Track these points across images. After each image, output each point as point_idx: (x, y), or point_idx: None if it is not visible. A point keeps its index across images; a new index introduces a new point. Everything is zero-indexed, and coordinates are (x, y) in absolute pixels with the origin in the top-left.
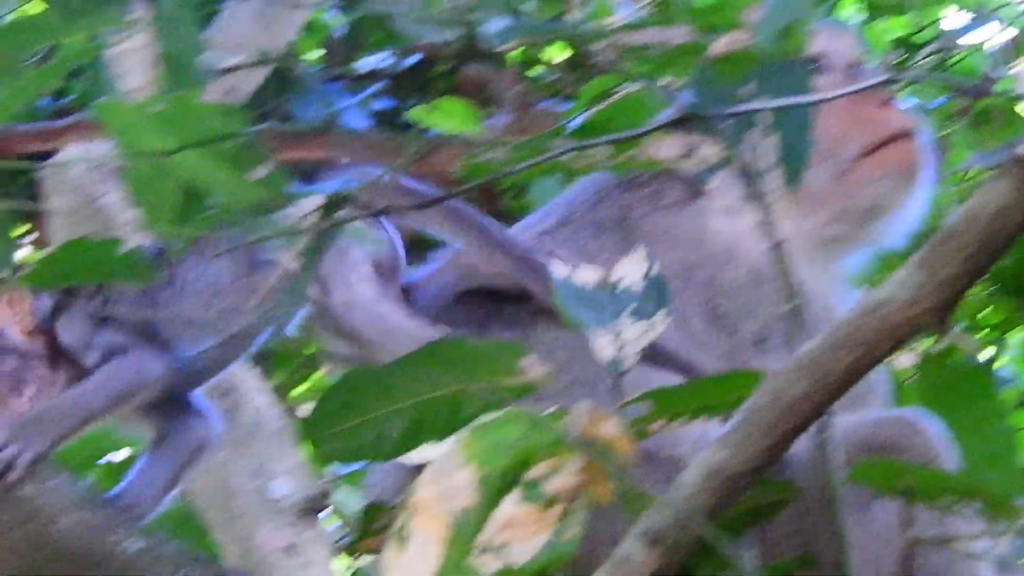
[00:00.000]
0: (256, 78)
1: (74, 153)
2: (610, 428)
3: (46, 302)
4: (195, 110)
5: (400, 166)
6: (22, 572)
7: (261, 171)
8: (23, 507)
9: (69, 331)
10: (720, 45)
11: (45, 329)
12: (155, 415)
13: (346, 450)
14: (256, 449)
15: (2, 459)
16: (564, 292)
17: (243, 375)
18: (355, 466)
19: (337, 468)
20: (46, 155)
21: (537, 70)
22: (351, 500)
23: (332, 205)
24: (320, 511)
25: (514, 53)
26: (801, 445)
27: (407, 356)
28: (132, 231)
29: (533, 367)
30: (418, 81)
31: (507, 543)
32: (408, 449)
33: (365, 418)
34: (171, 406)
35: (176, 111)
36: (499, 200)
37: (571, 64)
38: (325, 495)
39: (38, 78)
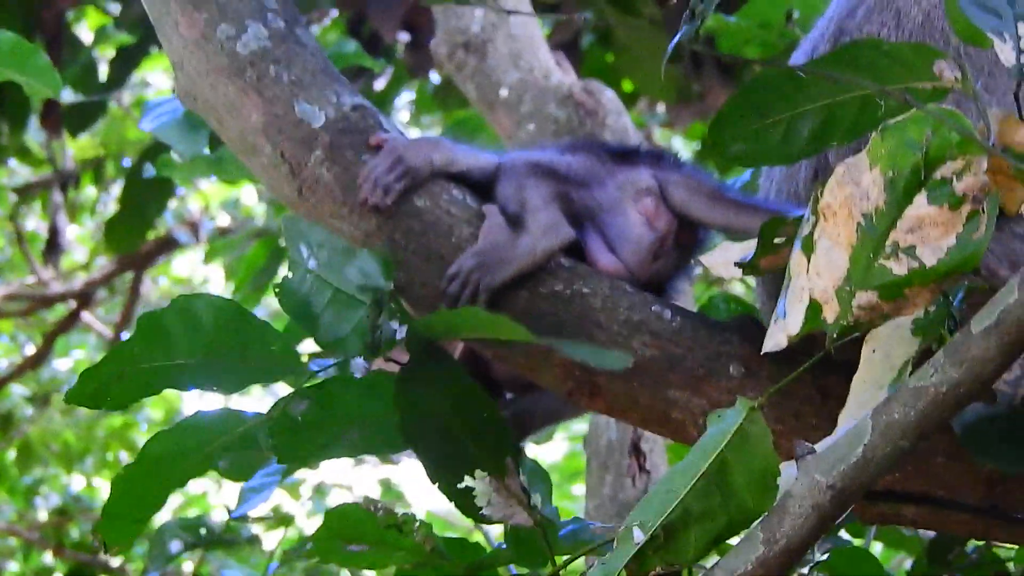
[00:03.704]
0: None
1: None
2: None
3: None
4: None
5: None
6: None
7: None
8: (423, 219)
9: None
10: None
11: None
12: None
13: (751, 152)
14: None
15: (383, 184)
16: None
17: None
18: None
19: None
20: None
21: None
22: None
23: None
24: None
25: None
26: None
27: (819, 58)
28: None
29: (947, 70)
30: None
31: (915, 245)
32: (816, 151)
33: (773, 119)
34: None
35: None
36: None
37: None
38: None
39: None
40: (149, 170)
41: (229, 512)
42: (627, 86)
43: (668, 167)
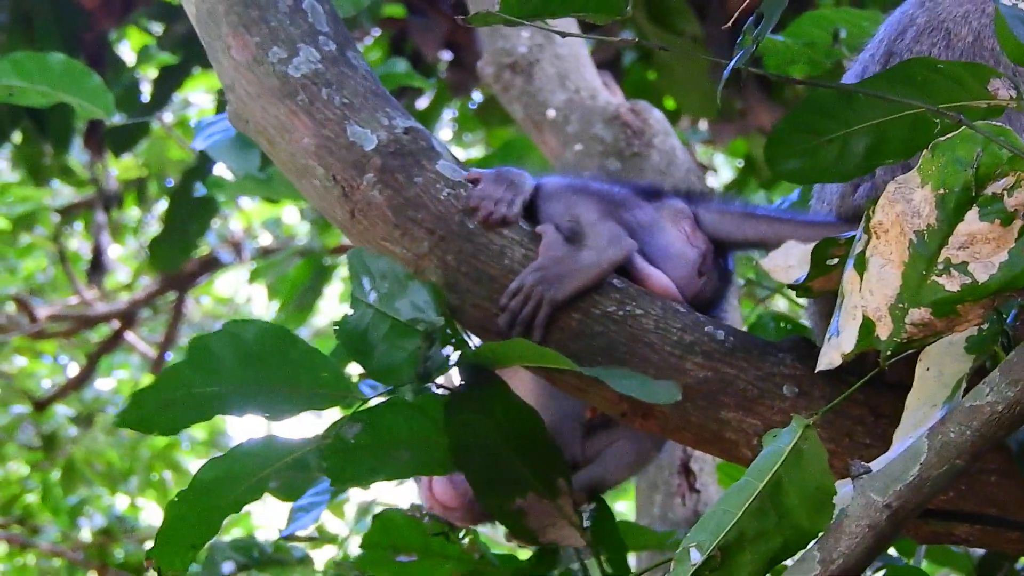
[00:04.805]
0: None
1: None
2: None
3: None
4: None
5: None
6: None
7: None
8: (475, 240)
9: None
10: None
11: None
12: None
13: (806, 170)
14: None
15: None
16: (1009, 18)
17: (654, 115)
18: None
19: None
20: None
21: None
22: None
23: None
24: None
25: None
26: None
27: (874, 77)
28: None
29: (1002, 88)
30: None
31: (967, 261)
32: (869, 169)
33: (827, 138)
34: None
35: None
36: None
37: None
38: None
39: None
40: (200, 189)
41: (280, 532)
42: (669, 104)
43: (696, 197)
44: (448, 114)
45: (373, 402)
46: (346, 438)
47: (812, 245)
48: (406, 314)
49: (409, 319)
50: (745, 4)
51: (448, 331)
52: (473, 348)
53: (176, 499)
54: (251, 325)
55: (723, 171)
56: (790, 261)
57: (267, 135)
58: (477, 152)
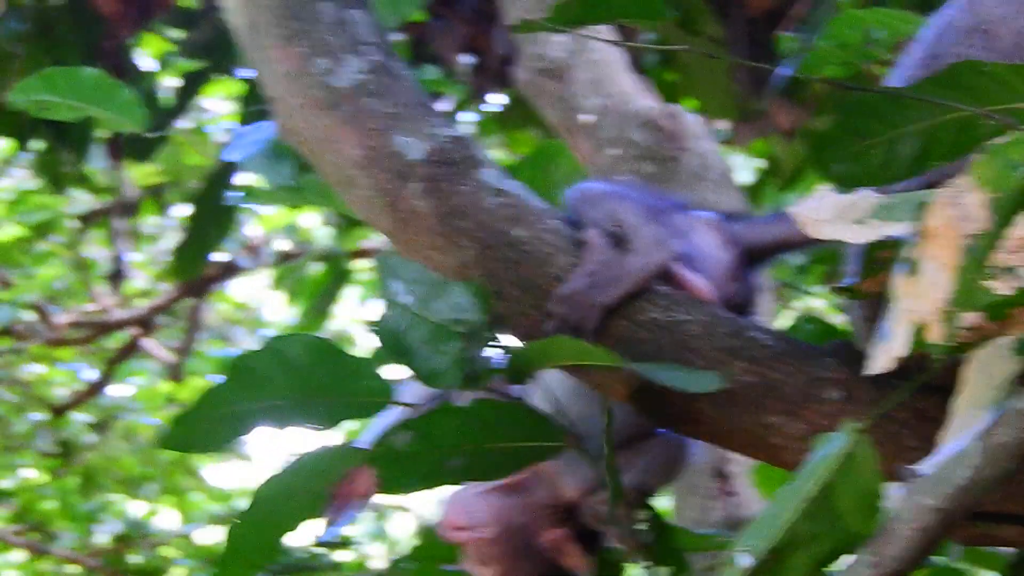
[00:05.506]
0: None
1: None
2: None
3: None
4: None
5: None
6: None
7: None
8: (520, 248)
9: None
10: None
11: None
12: None
13: (854, 173)
14: (700, 192)
15: None
16: None
17: (689, 118)
18: None
19: None
20: None
21: None
22: None
23: None
24: None
25: None
26: None
27: (920, 81)
28: None
29: None
30: None
31: (1019, 264)
32: (918, 172)
33: (874, 141)
34: None
35: None
36: None
37: None
38: None
39: None
40: (230, 197)
41: (316, 538)
42: (688, 105)
43: (725, 214)
44: (464, 117)
45: (423, 409)
46: (397, 446)
47: (847, 196)
48: (448, 314)
49: (452, 319)
50: (792, 8)
51: (488, 335)
52: (521, 349)
53: (239, 520)
54: (295, 341)
55: (741, 172)
56: (822, 214)
57: (312, 147)
58: (494, 156)
